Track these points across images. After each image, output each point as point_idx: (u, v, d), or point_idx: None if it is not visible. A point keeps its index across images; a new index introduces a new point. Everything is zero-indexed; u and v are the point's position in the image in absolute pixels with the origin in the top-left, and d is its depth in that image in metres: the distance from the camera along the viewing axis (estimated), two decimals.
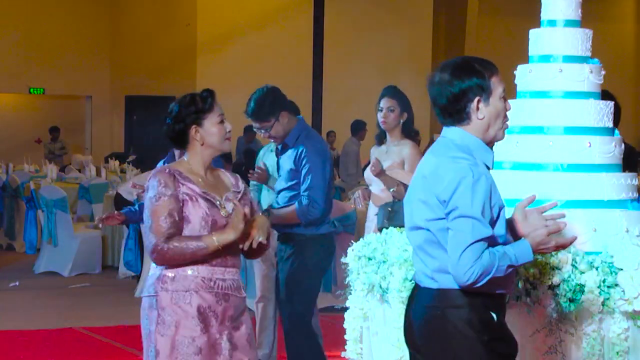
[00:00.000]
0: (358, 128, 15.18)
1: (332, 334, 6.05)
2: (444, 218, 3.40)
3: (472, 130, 3.52)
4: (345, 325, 4.95)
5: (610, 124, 4.85)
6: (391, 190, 6.00)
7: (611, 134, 4.85)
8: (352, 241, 4.96)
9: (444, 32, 20.45)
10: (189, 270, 3.96)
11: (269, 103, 5.69)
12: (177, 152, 5.46)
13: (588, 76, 4.85)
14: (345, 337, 4.96)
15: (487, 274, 3.34)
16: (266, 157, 6.61)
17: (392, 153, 6.19)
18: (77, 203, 12.77)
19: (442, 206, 3.40)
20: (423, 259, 3.51)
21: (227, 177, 4.20)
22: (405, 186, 5.97)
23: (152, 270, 4.07)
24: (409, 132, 6.25)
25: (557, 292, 4.30)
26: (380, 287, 4.71)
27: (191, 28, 18.66)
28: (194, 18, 18.58)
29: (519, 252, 3.42)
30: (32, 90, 21.12)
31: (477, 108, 3.49)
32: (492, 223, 3.41)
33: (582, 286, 4.30)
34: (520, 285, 4.32)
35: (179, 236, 3.91)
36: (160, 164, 5.79)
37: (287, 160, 5.73)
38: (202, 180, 4.04)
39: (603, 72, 4.92)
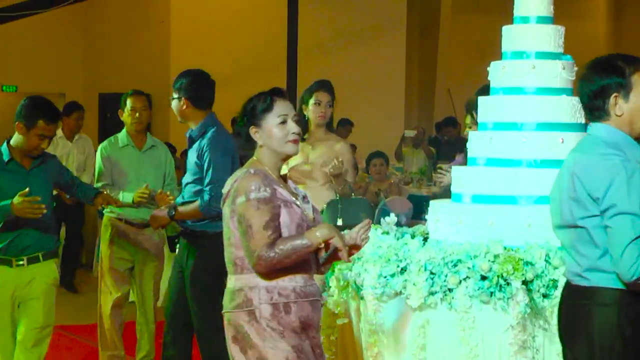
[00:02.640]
0: (341, 125, 15.16)
1: None
2: (598, 215, 3.43)
3: (615, 127, 3.55)
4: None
5: (583, 120, 4.88)
6: (339, 188, 5.97)
7: (584, 130, 4.87)
8: None
9: (417, 29, 20.45)
10: (287, 280, 3.72)
11: (187, 82, 5.62)
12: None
13: (561, 72, 4.87)
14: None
15: None
16: (115, 156, 6.54)
17: (320, 149, 6.15)
18: None
19: (596, 203, 3.43)
20: (574, 257, 3.54)
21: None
22: (349, 185, 6.02)
23: (236, 282, 3.76)
24: (331, 127, 6.37)
25: (531, 287, 4.32)
26: (355, 283, 4.71)
27: (165, 25, 18.58)
28: (168, 15, 18.50)
29: None
30: (4, 88, 20.95)
31: (615, 104, 3.53)
32: None
33: (555, 281, 4.32)
34: (493, 281, 4.34)
35: (279, 239, 3.65)
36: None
37: (192, 153, 5.62)
38: (282, 184, 3.81)
39: (575, 69, 4.95)
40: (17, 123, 5.16)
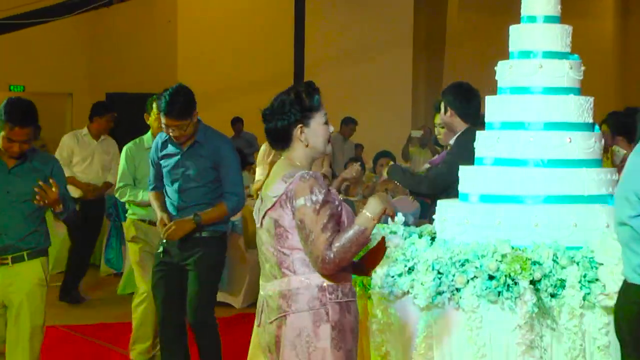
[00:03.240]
0: (345, 124, 15.14)
1: None
2: None
3: None
4: None
5: (591, 120, 4.88)
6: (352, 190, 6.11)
7: (591, 130, 4.87)
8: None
9: (424, 28, 20.43)
10: (343, 278, 3.65)
11: (189, 100, 5.57)
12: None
13: (568, 72, 4.86)
14: None
15: None
16: (139, 157, 6.54)
17: None
18: None
19: None
20: (628, 255, 3.59)
21: None
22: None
23: (294, 283, 3.63)
24: None
25: (538, 287, 4.32)
26: (362, 283, 4.71)
27: (172, 24, 18.60)
28: (175, 14, 18.52)
29: None
30: (12, 87, 20.95)
31: None
32: None
33: (563, 281, 4.32)
34: (500, 280, 4.34)
35: (335, 237, 3.55)
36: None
37: (199, 158, 5.63)
38: None
39: (583, 68, 4.94)
40: None
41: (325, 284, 3.60)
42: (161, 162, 5.77)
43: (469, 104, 5.69)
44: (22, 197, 5.11)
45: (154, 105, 6.55)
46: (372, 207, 3.56)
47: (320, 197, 3.54)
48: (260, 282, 3.82)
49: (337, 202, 3.63)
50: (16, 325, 5.17)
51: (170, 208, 5.73)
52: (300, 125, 3.67)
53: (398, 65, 18.93)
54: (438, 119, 6.28)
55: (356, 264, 3.81)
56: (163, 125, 5.63)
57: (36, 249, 5.20)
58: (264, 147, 6.04)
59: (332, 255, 3.50)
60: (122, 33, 19.85)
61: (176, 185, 5.70)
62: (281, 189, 3.62)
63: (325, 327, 3.58)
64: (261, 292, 3.80)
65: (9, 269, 5.13)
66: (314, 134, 3.68)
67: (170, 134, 5.61)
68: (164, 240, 5.68)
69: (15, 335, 5.17)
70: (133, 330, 6.60)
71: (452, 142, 5.99)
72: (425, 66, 20.56)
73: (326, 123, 3.71)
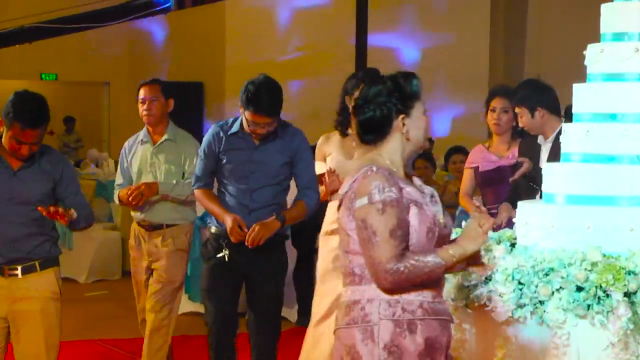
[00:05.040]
0: None
1: None
2: None
3: None
4: None
5: None
6: None
7: None
8: None
9: (502, 18, 20.31)
10: (413, 294, 3.54)
11: (279, 93, 5.57)
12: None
13: None
14: None
15: None
16: (137, 151, 6.57)
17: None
18: (94, 201, 12.87)
19: None
20: None
21: None
22: None
23: (352, 294, 3.61)
24: None
25: (634, 300, 4.29)
26: None
27: (219, 6, 18.70)
28: None
29: None
30: (43, 76, 21.22)
31: None
32: None
33: None
34: (590, 292, 4.31)
35: (409, 252, 3.48)
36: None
37: (276, 153, 5.65)
38: (410, 183, 3.63)
39: None
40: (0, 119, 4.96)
41: (381, 297, 3.52)
42: (225, 156, 5.70)
43: (555, 96, 5.72)
44: (30, 203, 5.00)
45: (139, 93, 6.61)
46: (459, 249, 3.50)
47: (387, 196, 3.47)
48: None
49: (408, 205, 3.53)
50: (28, 345, 5.11)
51: (237, 209, 5.64)
52: (402, 115, 3.63)
53: (474, 49, 18.87)
54: (503, 103, 6.42)
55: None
56: (247, 122, 5.56)
57: (48, 257, 5.18)
58: (321, 142, 6.09)
59: (401, 269, 3.43)
60: (163, 16, 20.01)
61: (245, 182, 5.67)
62: (347, 187, 3.62)
63: (371, 348, 3.51)
64: None
65: (18, 281, 5.07)
66: (415, 125, 3.64)
67: (257, 131, 5.58)
68: (225, 245, 5.65)
69: (26, 356, 5.12)
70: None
71: (542, 141, 5.98)
72: (504, 47, 20.42)
73: (425, 113, 3.69)
